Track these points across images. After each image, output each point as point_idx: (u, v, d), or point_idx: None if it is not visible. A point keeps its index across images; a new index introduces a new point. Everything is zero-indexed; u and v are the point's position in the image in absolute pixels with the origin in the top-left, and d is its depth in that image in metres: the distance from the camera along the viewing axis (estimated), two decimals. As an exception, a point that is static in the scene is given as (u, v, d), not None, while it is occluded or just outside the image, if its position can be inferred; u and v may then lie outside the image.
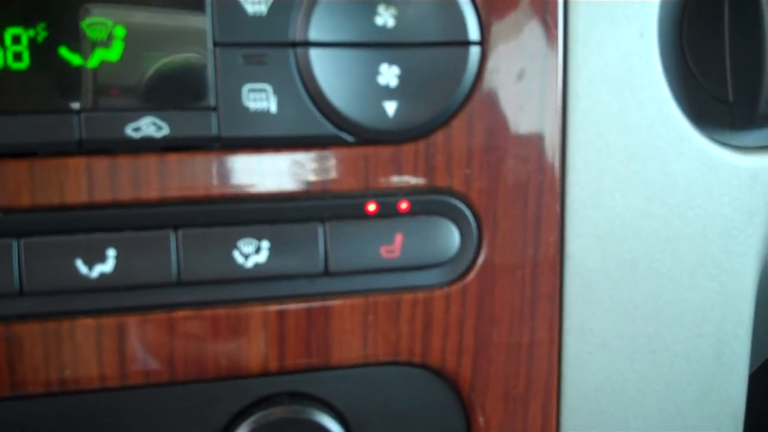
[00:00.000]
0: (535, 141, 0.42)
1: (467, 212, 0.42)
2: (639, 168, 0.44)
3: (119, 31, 0.37)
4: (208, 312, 0.40)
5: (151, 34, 0.37)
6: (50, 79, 0.37)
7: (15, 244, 0.37)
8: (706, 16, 0.45)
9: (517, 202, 0.42)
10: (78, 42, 0.37)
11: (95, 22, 0.37)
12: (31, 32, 0.37)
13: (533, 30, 0.41)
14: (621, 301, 0.45)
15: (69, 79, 0.37)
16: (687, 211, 0.45)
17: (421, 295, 0.42)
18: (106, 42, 0.37)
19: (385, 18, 0.39)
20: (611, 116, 0.43)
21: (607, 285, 0.44)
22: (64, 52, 0.37)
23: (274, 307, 0.40)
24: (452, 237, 0.42)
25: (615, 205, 0.44)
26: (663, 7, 0.43)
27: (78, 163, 0.38)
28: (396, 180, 0.41)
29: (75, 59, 0.37)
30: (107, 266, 0.38)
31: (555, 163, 0.42)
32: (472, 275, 0.42)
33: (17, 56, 0.37)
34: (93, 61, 0.37)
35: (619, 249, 0.44)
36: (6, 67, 0.37)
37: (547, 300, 0.43)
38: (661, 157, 0.44)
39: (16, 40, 0.37)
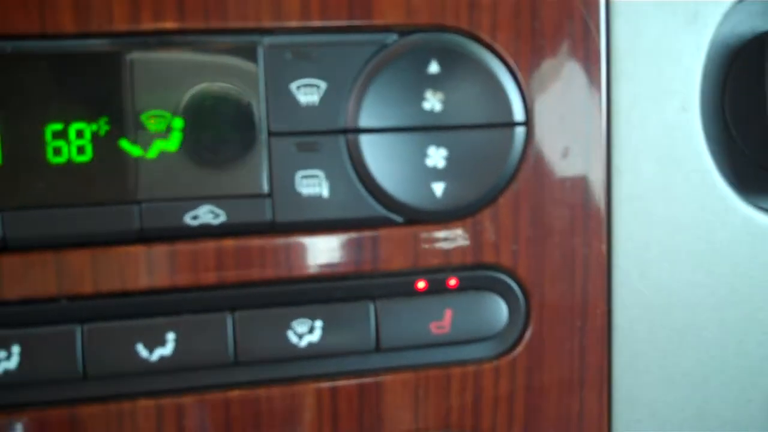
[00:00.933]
0: (581, 216, 0.42)
1: (515, 287, 0.43)
2: (684, 239, 0.44)
3: (177, 123, 0.39)
4: (263, 391, 0.41)
5: (209, 125, 0.39)
6: (112, 170, 0.38)
7: (78, 329, 0.39)
8: (748, 85, 0.45)
9: (563, 275, 0.43)
10: (138, 134, 0.38)
11: (154, 115, 0.39)
12: (94, 126, 0.38)
13: (577, 108, 0.42)
14: (669, 370, 0.45)
15: (129, 170, 0.39)
16: (733, 279, 0.45)
17: (470, 369, 0.43)
18: (164, 133, 0.39)
19: (433, 103, 0.40)
20: (655, 189, 0.43)
21: (656, 354, 0.45)
22: (124, 144, 0.38)
23: (326, 384, 0.41)
24: (500, 311, 0.43)
25: (661, 276, 0.44)
26: (705, 79, 0.44)
27: (138, 251, 0.39)
28: (444, 257, 0.42)
29: (135, 151, 0.39)
30: (167, 349, 0.39)
31: (601, 237, 0.43)
32: (520, 348, 0.43)
33: (81, 150, 0.38)
34: (152, 152, 0.39)
35: (666, 318, 0.45)
36: (70, 161, 0.38)
37: (596, 371, 0.44)
38: (706, 227, 0.44)
39: (79, 134, 0.38)
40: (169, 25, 0.38)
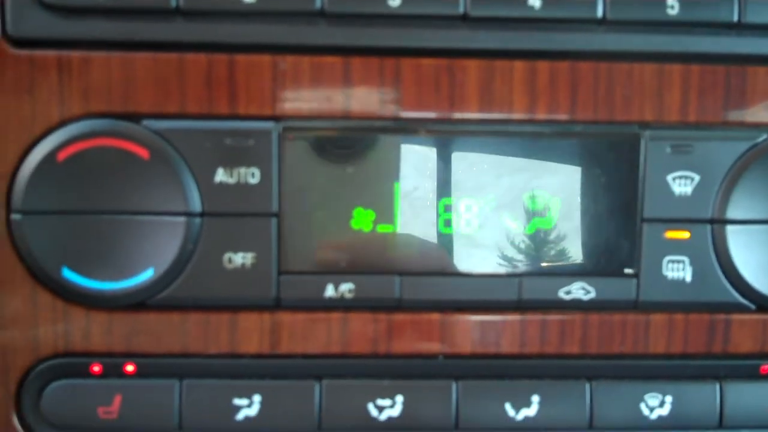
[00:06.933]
0: None
1: None
2: None
3: (555, 203, 0.43)
4: None
5: (584, 207, 0.42)
6: (494, 243, 0.42)
7: (453, 385, 0.43)
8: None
9: None
10: (519, 212, 0.42)
11: (535, 195, 0.42)
12: (481, 203, 0.42)
13: None
14: None
15: (511, 245, 0.43)
16: None
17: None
18: (542, 212, 0.43)
19: (798, 200, 0.42)
20: None
21: None
22: (507, 220, 0.42)
23: None
24: None
25: None
26: None
27: (514, 318, 0.43)
28: (787, 345, 0.44)
29: (516, 227, 0.42)
30: (531, 411, 0.43)
31: None
32: None
33: (468, 223, 0.42)
34: (530, 229, 0.43)
35: None
36: (458, 232, 0.42)
37: None
38: None
39: (468, 209, 0.42)
40: (562, 117, 0.42)
